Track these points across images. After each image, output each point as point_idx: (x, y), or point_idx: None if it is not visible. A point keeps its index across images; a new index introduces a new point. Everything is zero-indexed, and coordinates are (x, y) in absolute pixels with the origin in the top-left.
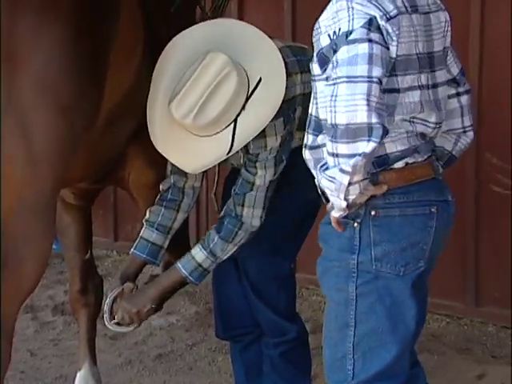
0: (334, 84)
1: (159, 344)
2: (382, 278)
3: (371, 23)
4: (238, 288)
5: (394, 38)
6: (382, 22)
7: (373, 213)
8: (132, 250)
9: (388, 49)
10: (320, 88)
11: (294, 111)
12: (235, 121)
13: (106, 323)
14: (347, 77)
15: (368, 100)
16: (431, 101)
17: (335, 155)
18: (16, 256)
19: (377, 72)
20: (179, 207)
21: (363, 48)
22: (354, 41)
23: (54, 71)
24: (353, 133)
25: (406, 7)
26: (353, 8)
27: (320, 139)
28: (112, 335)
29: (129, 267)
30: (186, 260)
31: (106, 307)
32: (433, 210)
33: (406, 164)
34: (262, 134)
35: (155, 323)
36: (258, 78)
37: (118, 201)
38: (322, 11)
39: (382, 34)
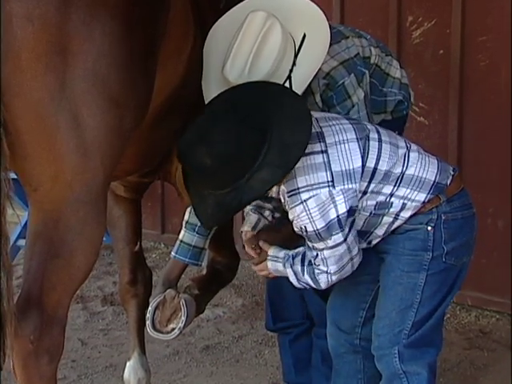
0: None
1: (206, 336)
2: (447, 270)
3: None
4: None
5: None
6: None
7: (444, 217)
8: (173, 254)
9: None
10: None
11: (364, 68)
12: (289, 77)
13: (149, 330)
14: None
15: None
16: None
17: None
18: (68, 246)
19: None
20: None
21: None
22: None
23: (106, 64)
24: None
25: None
26: None
27: None
28: None
29: (171, 272)
30: None
31: (148, 315)
32: (474, 211)
33: (453, 176)
34: (347, 95)
35: (202, 315)
36: (303, 34)
37: (165, 194)
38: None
39: None
